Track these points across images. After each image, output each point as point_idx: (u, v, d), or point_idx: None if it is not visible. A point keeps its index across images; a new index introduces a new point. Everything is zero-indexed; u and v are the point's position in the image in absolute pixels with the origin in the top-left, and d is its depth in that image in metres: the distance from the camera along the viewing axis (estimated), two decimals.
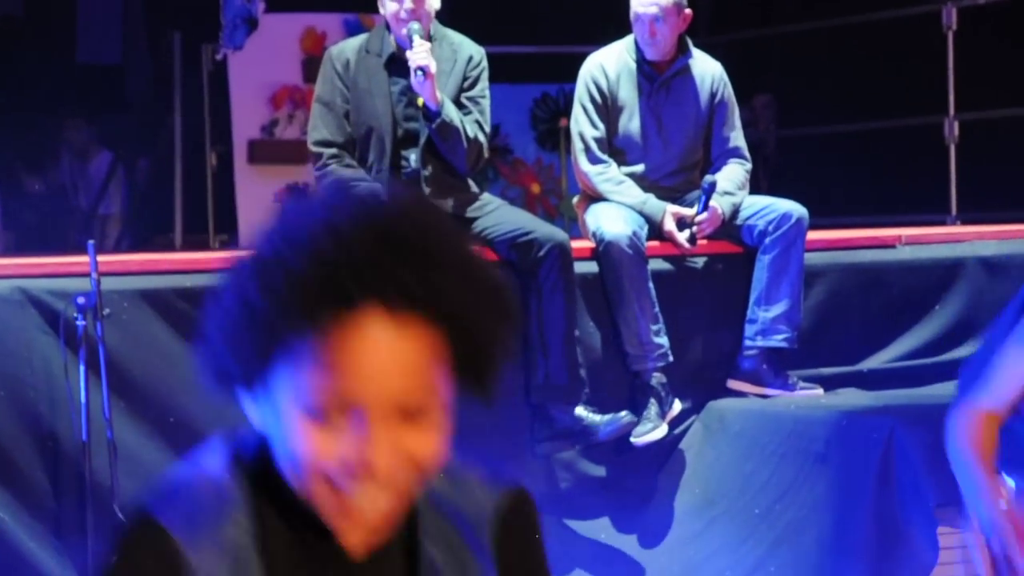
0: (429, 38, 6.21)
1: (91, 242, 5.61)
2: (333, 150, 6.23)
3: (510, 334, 1.88)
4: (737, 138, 6.71)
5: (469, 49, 6.34)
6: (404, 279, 1.75)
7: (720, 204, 6.43)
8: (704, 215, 6.42)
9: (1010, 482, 3.67)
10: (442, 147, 6.16)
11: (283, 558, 1.86)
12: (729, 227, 6.53)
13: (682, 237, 6.45)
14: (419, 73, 6.02)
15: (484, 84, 6.36)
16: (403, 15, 6.16)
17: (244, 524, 1.85)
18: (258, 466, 1.88)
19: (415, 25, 6.11)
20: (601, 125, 6.59)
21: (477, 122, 6.23)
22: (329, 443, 1.77)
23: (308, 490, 1.81)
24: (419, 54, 6.04)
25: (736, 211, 6.51)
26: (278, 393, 1.81)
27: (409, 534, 1.92)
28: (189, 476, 1.89)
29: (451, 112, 6.12)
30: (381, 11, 6.28)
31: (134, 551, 1.82)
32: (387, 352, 1.76)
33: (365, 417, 1.77)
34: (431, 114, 6.10)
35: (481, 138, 6.24)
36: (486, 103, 6.35)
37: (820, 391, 6.55)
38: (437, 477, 1.93)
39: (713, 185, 6.43)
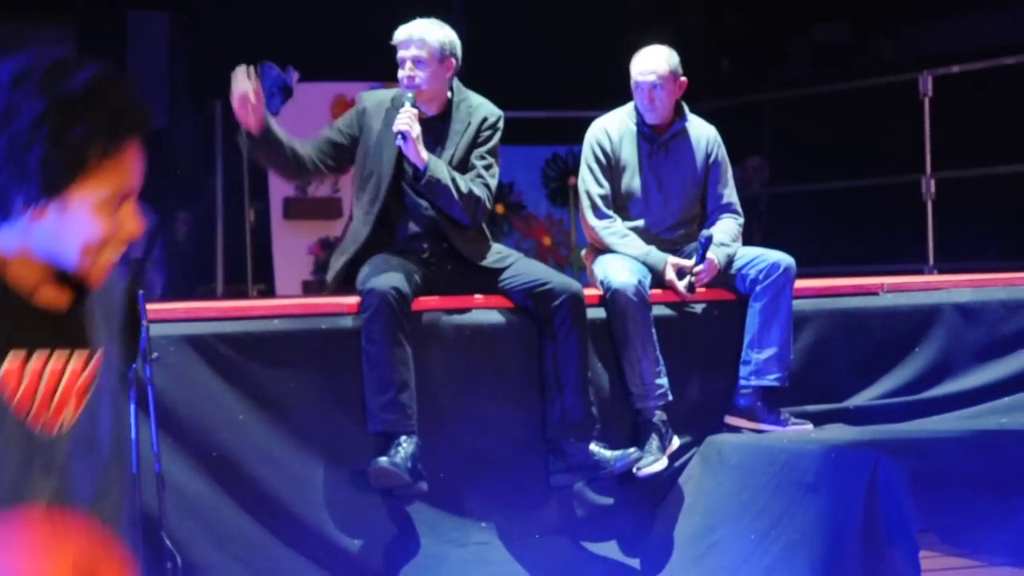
0: (449, 100, 6.24)
1: (140, 292, 5.61)
2: (306, 145, 6.34)
3: None
4: (730, 195, 6.71)
5: (485, 111, 6.34)
6: (143, 123, 2.60)
7: (716, 255, 6.43)
8: (702, 266, 6.42)
9: None
10: (435, 202, 6.19)
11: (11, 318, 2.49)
12: (724, 276, 6.53)
13: (682, 286, 6.45)
14: (399, 136, 6.08)
15: (494, 143, 6.34)
16: (405, 81, 6.21)
17: None
18: None
19: (409, 95, 6.16)
20: (606, 183, 6.59)
21: (479, 177, 6.24)
22: (112, 220, 2.49)
23: (89, 251, 2.48)
24: (402, 120, 6.09)
25: (730, 261, 6.52)
26: (74, 201, 2.45)
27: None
28: None
29: (438, 171, 6.13)
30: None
31: None
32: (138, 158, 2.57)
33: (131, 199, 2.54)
34: (418, 172, 6.13)
35: (477, 192, 6.21)
36: (492, 159, 6.33)
37: (810, 426, 6.53)
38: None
39: (710, 239, 6.43)
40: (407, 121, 6.08)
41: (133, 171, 2.56)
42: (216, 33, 12.24)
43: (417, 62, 6.19)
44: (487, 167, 6.28)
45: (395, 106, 6.26)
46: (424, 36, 6.20)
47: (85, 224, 2.48)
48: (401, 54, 6.23)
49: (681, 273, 6.47)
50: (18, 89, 2.45)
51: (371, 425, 5.96)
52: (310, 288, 10.44)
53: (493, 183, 6.32)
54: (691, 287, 6.45)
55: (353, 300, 6.07)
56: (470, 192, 6.16)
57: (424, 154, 6.08)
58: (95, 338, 2.61)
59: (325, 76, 10.20)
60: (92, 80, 2.50)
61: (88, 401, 2.60)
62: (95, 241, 2.49)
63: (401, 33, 6.24)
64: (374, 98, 6.37)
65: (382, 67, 6.56)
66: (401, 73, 6.22)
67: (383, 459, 5.88)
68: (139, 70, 13.02)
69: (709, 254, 6.41)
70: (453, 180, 6.13)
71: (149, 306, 5.59)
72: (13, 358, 2.48)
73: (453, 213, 6.19)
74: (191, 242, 11.89)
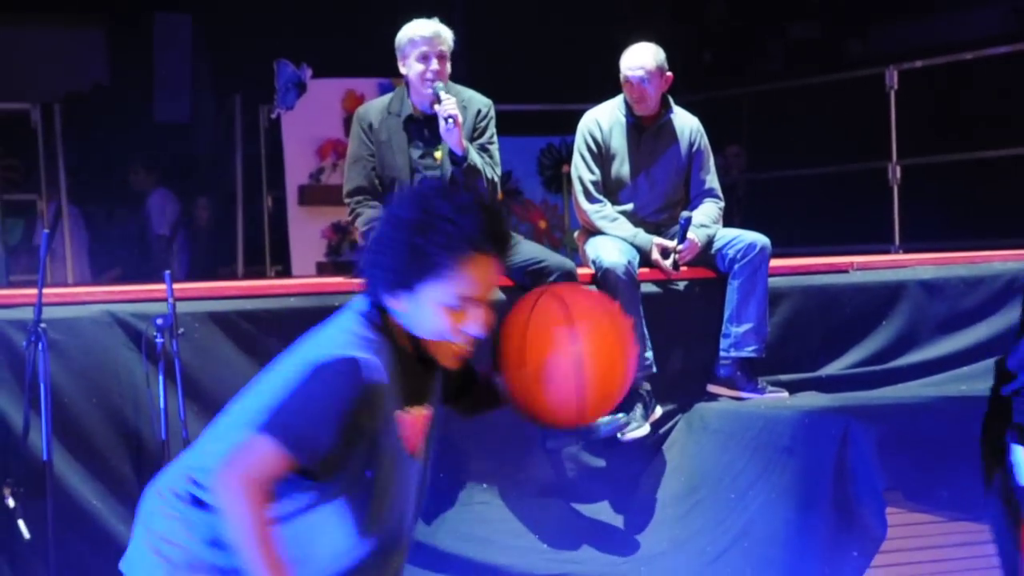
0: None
1: (167, 272, 5.62)
2: (360, 197, 6.24)
3: None
4: (712, 180, 6.71)
5: (478, 103, 6.32)
6: (503, 241, 2.91)
7: (697, 235, 6.44)
8: (683, 245, 6.43)
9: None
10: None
11: (404, 372, 2.93)
12: (705, 255, 6.54)
13: (667, 264, 6.46)
14: (449, 121, 6.02)
15: (492, 131, 6.33)
16: (429, 75, 6.17)
17: (391, 363, 2.90)
18: (383, 325, 2.94)
19: (439, 84, 6.13)
20: (597, 170, 6.59)
21: (490, 165, 6.24)
22: (458, 320, 2.89)
23: (434, 342, 2.94)
24: (449, 106, 6.05)
25: (711, 241, 6.52)
26: (425, 293, 2.87)
27: (433, 363, 3.05)
28: (363, 340, 2.88)
29: (475, 157, 6.12)
30: (403, 71, 6.25)
31: (340, 378, 2.82)
32: (494, 278, 2.91)
33: (481, 310, 2.90)
34: (458, 158, 6.10)
35: (495, 179, 6.24)
36: (495, 148, 6.33)
37: (785, 394, 6.53)
38: None
39: (689, 220, 6.43)
40: (453, 106, 6.05)
41: (482, 282, 2.88)
42: (235, 33, 12.25)
43: (442, 57, 6.19)
44: (492, 156, 6.28)
45: (391, 112, 6.24)
46: (446, 34, 6.21)
47: (432, 319, 2.89)
48: (425, 50, 6.18)
49: (666, 253, 6.47)
50: (405, 202, 2.90)
51: None
52: (324, 269, 10.44)
53: (499, 171, 6.33)
54: (675, 265, 6.45)
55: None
56: (492, 179, 6.18)
57: (464, 141, 6.07)
58: (434, 397, 3.08)
59: (336, 73, 10.18)
60: (460, 202, 2.85)
61: (426, 443, 3.09)
62: (441, 334, 2.91)
63: (427, 30, 6.19)
64: (373, 110, 6.33)
65: (388, 64, 6.54)
66: (426, 67, 6.17)
67: None
68: (164, 68, 13.03)
69: (690, 234, 6.42)
70: (483, 166, 6.13)
71: (176, 285, 5.60)
72: (403, 411, 2.96)
73: None
74: (211, 226, 11.89)
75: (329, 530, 2.91)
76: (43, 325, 5.34)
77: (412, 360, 2.96)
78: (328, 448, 2.80)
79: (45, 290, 5.40)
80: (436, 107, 6.06)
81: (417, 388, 2.98)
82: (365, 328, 2.91)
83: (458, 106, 6.13)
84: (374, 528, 2.95)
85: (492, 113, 6.34)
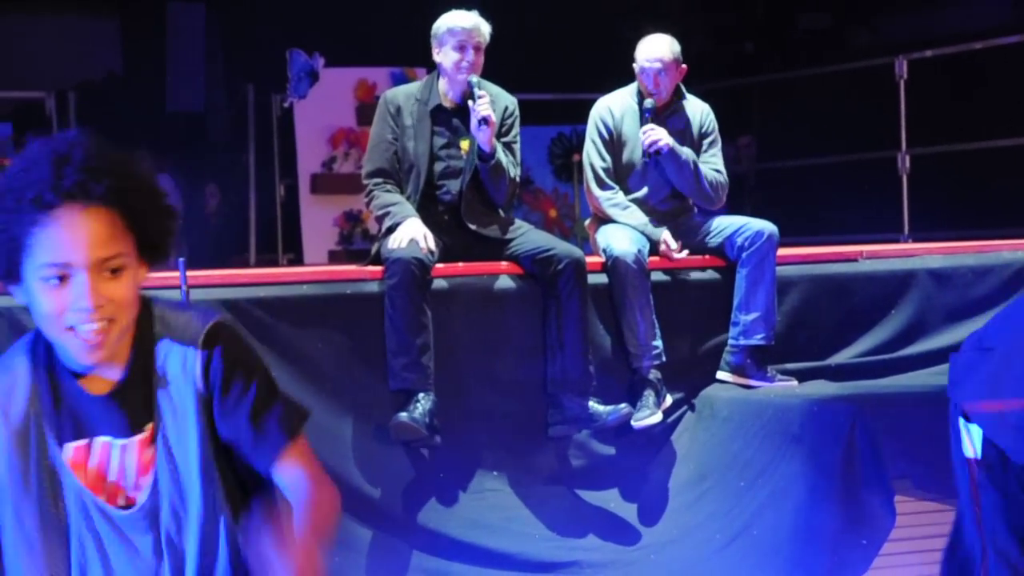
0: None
1: (181, 259, 5.61)
2: (379, 179, 6.24)
3: (167, 218, 2.41)
4: (716, 157, 6.66)
5: (505, 100, 6.31)
6: (83, 188, 2.28)
7: (662, 134, 6.41)
8: (649, 127, 6.42)
9: (975, 429, 3.44)
10: (490, 184, 6.14)
11: (49, 405, 2.39)
12: (712, 247, 6.53)
13: (675, 246, 6.45)
14: (482, 124, 6.03)
15: (516, 130, 6.34)
16: (464, 65, 6.16)
17: (24, 391, 2.39)
18: (36, 347, 2.41)
19: (475, 78, 6.12)
20: (608, 157, 6.58)
21: (512, 164, 6.23)
22: (63, 298, 2.29)
23: (59, 341, 2.34)
24: (483, 107, 6.04)
25: (694, 171, 6.48)
26: (27, 277, 2.30)
27: (143, 373, 2.43)
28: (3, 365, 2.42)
29: (501, 156, 6.12)
30: (436, 58, 6.22)
31: None
32: (83, 231, 2.28)
33: (81, 275, 2.29)
34: (485, 155, 6.09)
35: (516, 178, 6.25)
36: (518, 147, 6.34)
37: (795, 382, 6.52)
38: (161, 316, 2.49)
39: (652, 109, 6.44)
40: (487, 107, 6.05)
41: (64, 242, 2.29)
42: (248, 23, 12.26)
43: (478, 49, 6.18)
44: (514, 154, 6.28)
45: (419, 99, 6.23)
46: (485, 28, 6.20)
47: (39, 303, 2.32)
48: (463, 40, 6.15)
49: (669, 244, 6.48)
50: None
51: (392, 383, 5.96)
52: (336, 257, 10.45)
53: (519, 169, 6.34)
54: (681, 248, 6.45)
55: (376, 268, 6.09)
56: (514, 177, 6.19)
57: (493, 139, 6.06)
58: (157, 415, 2.43)
59: (347, 62, 10.19)
60: (30, 154, 2.33)
61: (158, 480, 2.44)
62: (51, 319, 2.32)
63: (468, 21, 6.18)
64: (401, 95, 6.31)
65: (400, 53, 6.53)
66: (462, 57, 6.15)
67: (403, 414, 5.89)
68: (178, 57, 13.03)
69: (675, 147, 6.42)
70: (507, 164, 6.13)
71: (189, 273, 5.60)
72: (70, 447, 2.40)
73: (499, 194, 6.18)
74: (220, 214, 11.89)
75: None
76: None
77: (75, 382, 2.40)
78: None
79: None
80: (470, 103, 6.06)
81: (97, 414, 2.40)
82: (13, 348, 2.45)
83: (490, 105, 6.14)
84: None
85: (517, 112, 6.34)
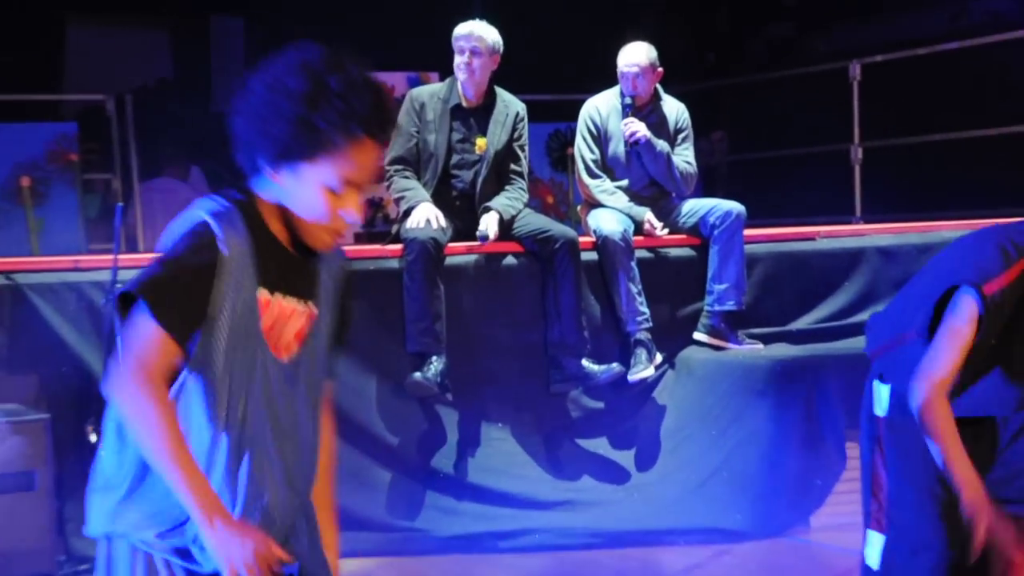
0: (491, 93, 6.25)
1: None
2: (399, 166, 6.27)
3: None
4: (689, 151, 6.68)
5: (516, 106, 6.36)
6: (389, 127, 2.43)
7: (639, 127, 6.46)
8: (630, 120, 6.48)
9: (885, 389, 3.48)
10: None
11: (267, 252, 2.45)
12: (687, 226, 6.56)
13: (659, 224, 6.50)
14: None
15: (526, 135, 6.39)
16: (462, 66, 6.19)
17: (244, 235, 2.43)
18: (246, 200, 2.47)
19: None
20: (596, 150, 6.61)
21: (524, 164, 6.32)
22: (338, 203, 2.41)
23: (309, 224, 2.44)
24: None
25: (667, 161, 6.53)
26: (307, 171, 2.39)
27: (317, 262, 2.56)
28: (216, 208, 2.44)
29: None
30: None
31: (197, 238, 2.39)
32: (375, 164, 2.44)
33: (360, 195, 2.43)
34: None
35: (525, 173, 6.36)
36: (527, 150, 6.43)
37: (760, 345, 6.55)
38: None
39: (631, 104, 6.49)
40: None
41: (364, 167, 2.41)
42: (281, 35, 12.24)
43: (474, 53, 6.18)
44: (526, 156, 6.36)
45: (441, 98, 6.24)
46: (480, 32, 6.22)
47: (312, 198, 2.41)
48: (461, 45, 6.22)
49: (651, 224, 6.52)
50: (292, 70, 2.38)
51: (409, 346, 6.00)
52: (359, 238, 10.48)
53: (528, 167, 6.40)
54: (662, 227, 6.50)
55: (396, 247, 6.12)
56: (524, 176, 6.34)
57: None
58: (317, 298, 2.55)
59: (370, 67, 10.20)
60: (353, 79, 2.38)
61: (303, 348, 2.53)
62: (319, 216, 2.42)
63: (464, 28, 6.24)
64: (425, 93, 6.33)
65: (415, 59, 6.55)
66: (461, 60, 6.19)
67: (418, 374, 5.93)
68: (221, 64, 13.04)
69: (640, 127, 6.46)
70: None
71: None
72: (263, 292, 2.45)
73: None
74: None
75: (195, 415, 2.45)
76: (119, 285, 5.37)
77: (280, 244, 2.48)
78: (190, 312, 2.38)
79: (119, 256, 5.45)
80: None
81: (286, 276, 2.49)
82: (218, 201, 2.46)
83: (502, 109, 6.20)
84: (221, 422, 2.43)
85: (526, 117, 6.40)
